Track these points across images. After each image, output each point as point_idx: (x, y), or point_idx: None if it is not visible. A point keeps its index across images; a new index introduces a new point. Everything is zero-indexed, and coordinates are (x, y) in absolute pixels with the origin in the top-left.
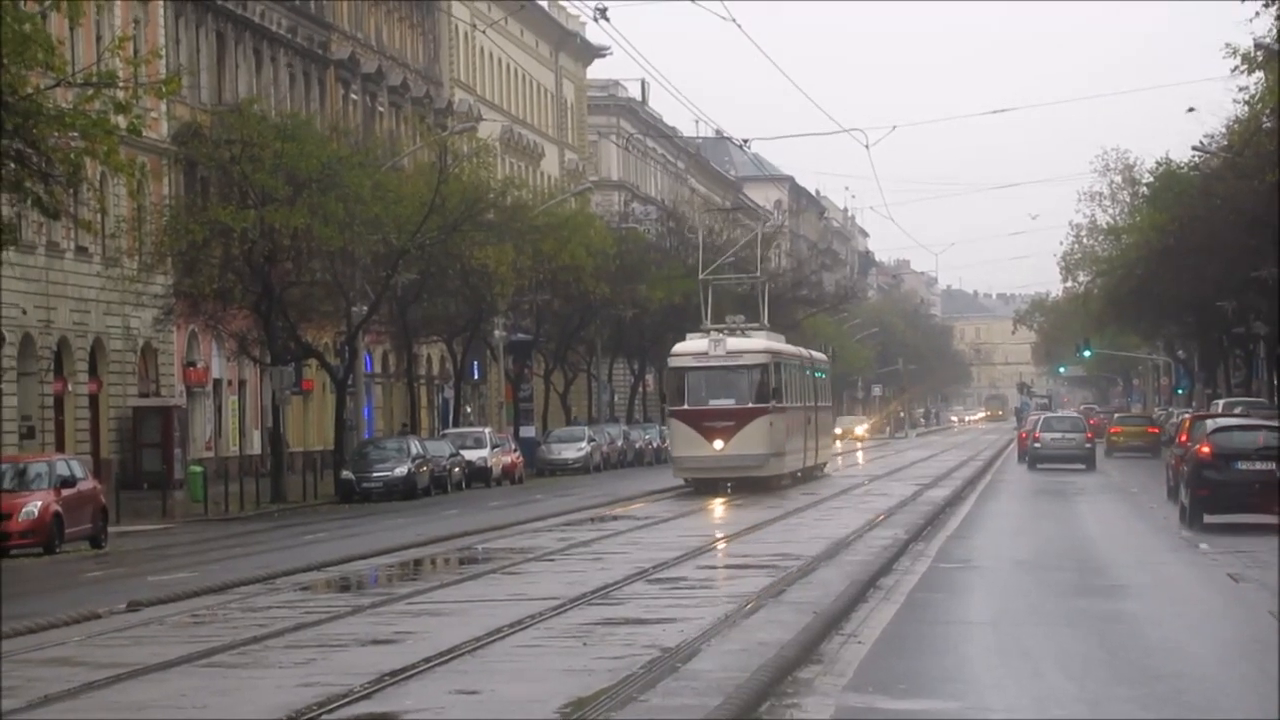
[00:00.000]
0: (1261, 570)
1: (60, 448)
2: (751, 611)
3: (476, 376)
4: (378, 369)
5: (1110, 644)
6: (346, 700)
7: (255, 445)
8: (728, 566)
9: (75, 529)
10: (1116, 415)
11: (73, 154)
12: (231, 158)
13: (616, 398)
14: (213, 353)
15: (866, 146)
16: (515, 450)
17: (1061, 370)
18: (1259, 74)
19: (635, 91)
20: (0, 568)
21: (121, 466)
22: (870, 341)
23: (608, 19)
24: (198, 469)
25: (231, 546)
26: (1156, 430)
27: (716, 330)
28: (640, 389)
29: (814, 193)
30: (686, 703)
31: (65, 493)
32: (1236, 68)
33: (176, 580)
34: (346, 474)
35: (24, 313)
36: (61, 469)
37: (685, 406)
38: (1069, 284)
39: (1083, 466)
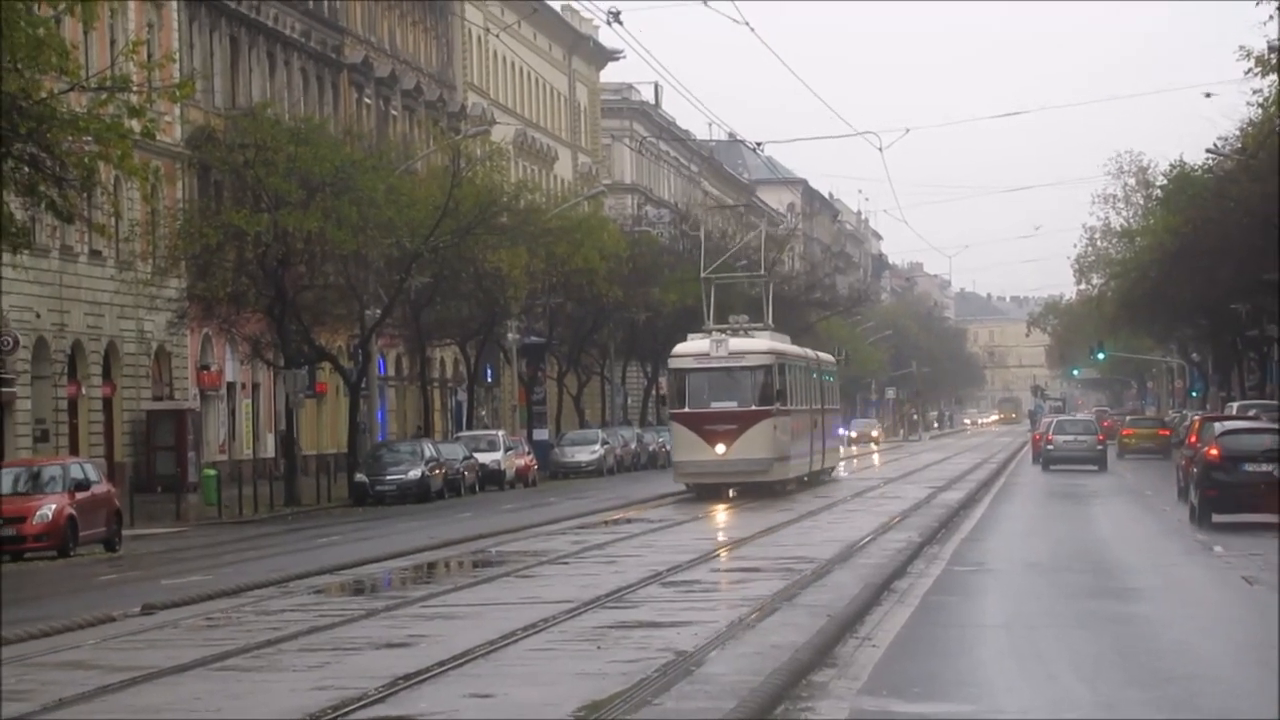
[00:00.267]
0: (1276, 573)
1: (74, 451)
2: (765, 615)
3: (490, 379)
4: (391, 372)
5: (1124, 647)
6: (361, 704)
7: (269, 448)
8: (741, 570)
9: (89, 532)
10: (1128, 418)
11: (87, 158)
12: (245, 161)
13: (630, 400)
14: (226, 356)
15: (880, 149)
16: (528, 453)
17: (1075, 373)
18: (1272, 76)
19: (648, 95)
20: (1, 572)
21: (135, 470)
22: (884, 344)
23: (621, 22)
24: (211, 472)
25: (245, 550)
26: (1167, 433)
27: (719, 330)
28: (653, 392)
29: (827, 196)
30: (700, 706)
31: (79, 496)
32: (1250, 70)
33: (190, 583)
34: (360, 477)
35: (38, 316)
36: (75, 472)
37: (686, 409)
38: (1083, 286)
39: (1095, 468)
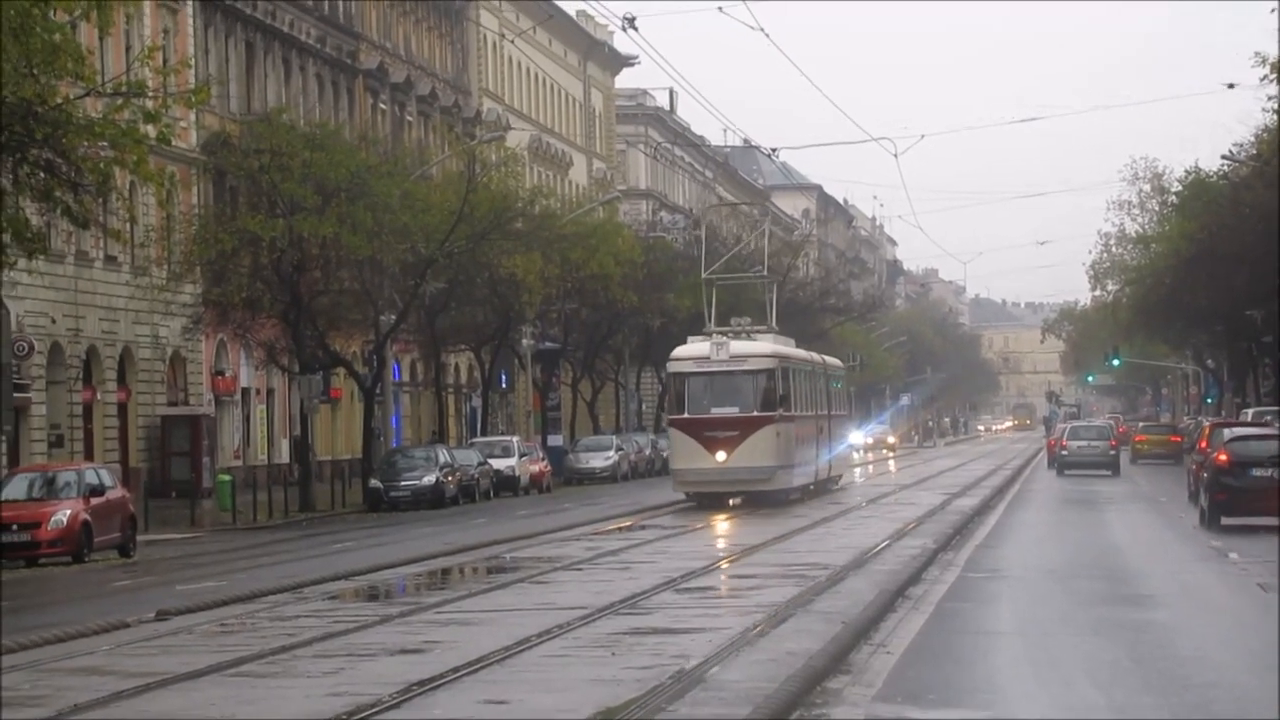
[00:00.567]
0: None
1: (89, 456)
2: (780, 621)
3: (504, 385)
4: (406, 378)
5: (1139, 653)
6: (375, 710)
7: (283, 454)
8: (756, 575)
9: (104, 538)
10: (1141, 424)
11: (102, 163)
12: (260, 167)
13: (644, 406)
14: (241, 361)
15: (895, 155)
16: (543, 459)
17: (1090, 379)
18: None
19: (663, 100)
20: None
21: (150, 475)
22: (898, 350)
23: (636, 28)
24: (226, 478)
25: (259, 555)
26: (1178, 439)
27: (720, 333)
28: (668, 398)
29: (842, 201)
30: (715, 713)
31: (94, 501)
32: (1266, 76)
33: (205, 589)
34: (374, 483)
35: (53, 321)
36: (90, 478)
37: (685, 415)
38: (1098, 293)
39: (1108, 473)
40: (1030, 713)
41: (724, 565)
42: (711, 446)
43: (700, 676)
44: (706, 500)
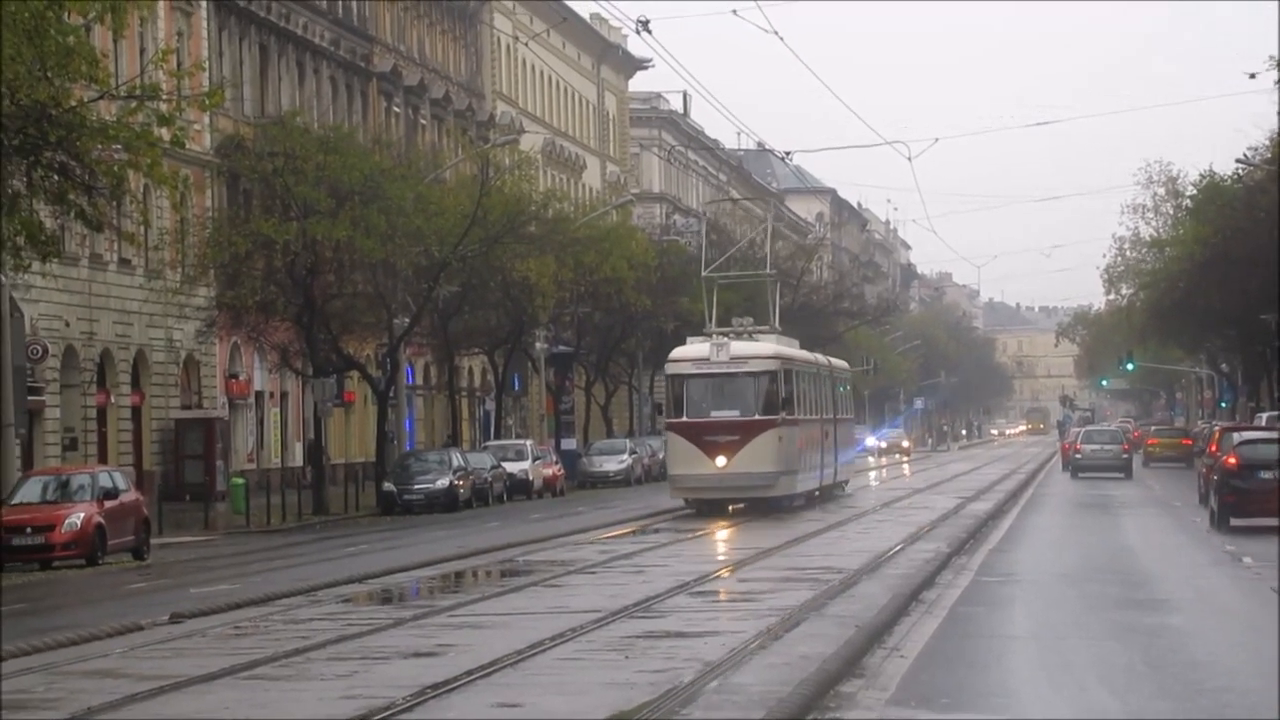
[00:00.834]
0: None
1: (103, 459)
2: (793, 625)
3: (517, 389)
4: (419, 381)
5: (1153, 658)
6: (389, 713)
7: (297, 457)
8: (769, 579)
9: (118, 540)
10: (1153, 428)
11: (116, 166)
12: (274, 170)
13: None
14: (255, 365)
15: (909, 159)
16: (556, 463)
17: (1104, 383)
18: None
19: (677, 104)
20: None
21: (164, 478)
22: (912, 354)
23: (649, 31)
24: (239, 481)
25: (273, 558)
26: (1189, 442)
27: (720, 333)
28: None
29: (856, 205)
30: (729, 716)
31: (108, 504)
32: None
33: (218, 592)
34: (388, 486)
35: (67, 325)
36: (104, 480)
37: (684, 418)
38: (1112, 297)
39: (1121, 475)
40: (1044, 716)
41: (738, 569)
42: (711, 451)
43: (714, 680)
44: (705, 508)
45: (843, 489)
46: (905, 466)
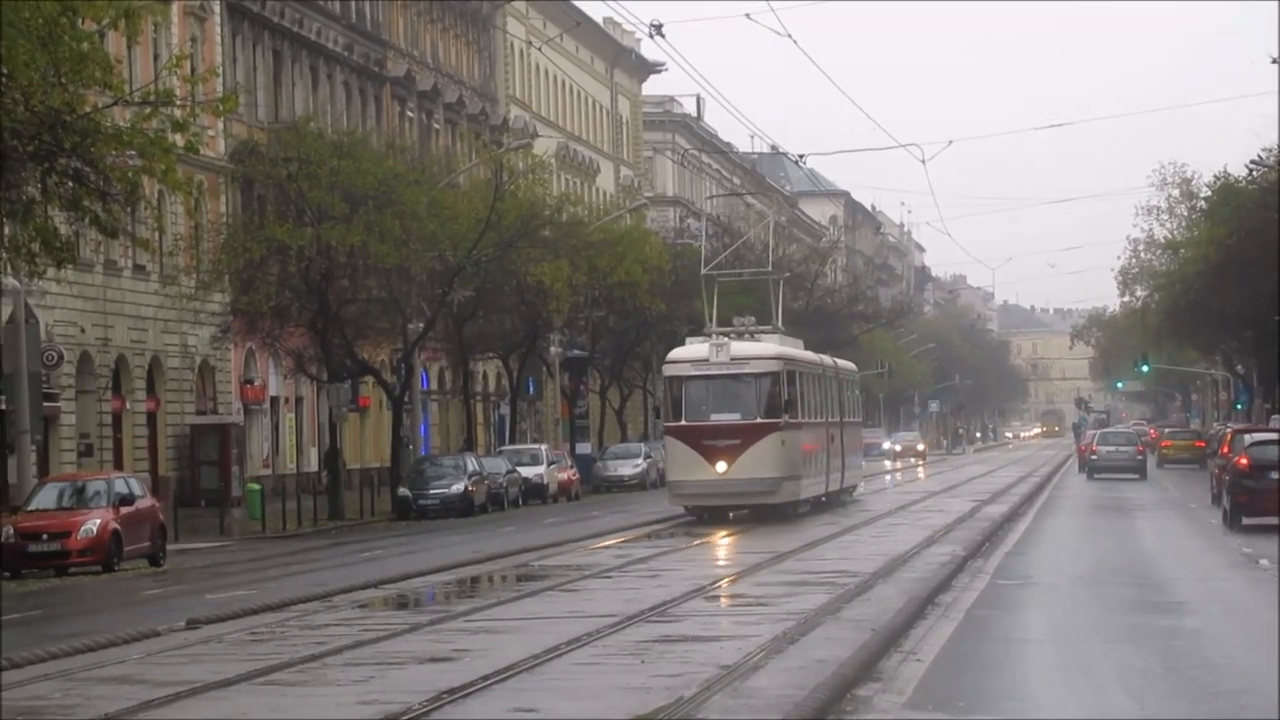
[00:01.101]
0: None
1: (118, 466)
2: (809, 628)
3: (532, 393)
4: (434, 386)
5: (1170, 661)
6: (405, 718)
7: (312, 462)
8: (785, 583)
9: (134, 547)
10: (1166, 431)
11: (130, 172)
12: (288, 175)
13: None
14: (270, 370)
15: (923, 161)
16: (571, 467)
17: (1119, 385)
18: None
19: (690, 107)
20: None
21: (179, 484)
22: (927, 357)
23: (663, 35)
24: (255, 486)
25: (289, 564)
26: (1202, 444)
27: (720, 333)
28: None
29: (870, 208)
30: (745, 719)
31: (124, 510)
32: None
33: (234, 598)
34: (403, 491)
35: (82, 331)
36: (120, 487)
37: (683, 422)
38: (1126, 299)
39: (1135, 476)
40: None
41: (753, 573)
42: (711, 456)
43: (730, 684)
44: (705, 515)
45: (850, 495)
46: (920, 470)
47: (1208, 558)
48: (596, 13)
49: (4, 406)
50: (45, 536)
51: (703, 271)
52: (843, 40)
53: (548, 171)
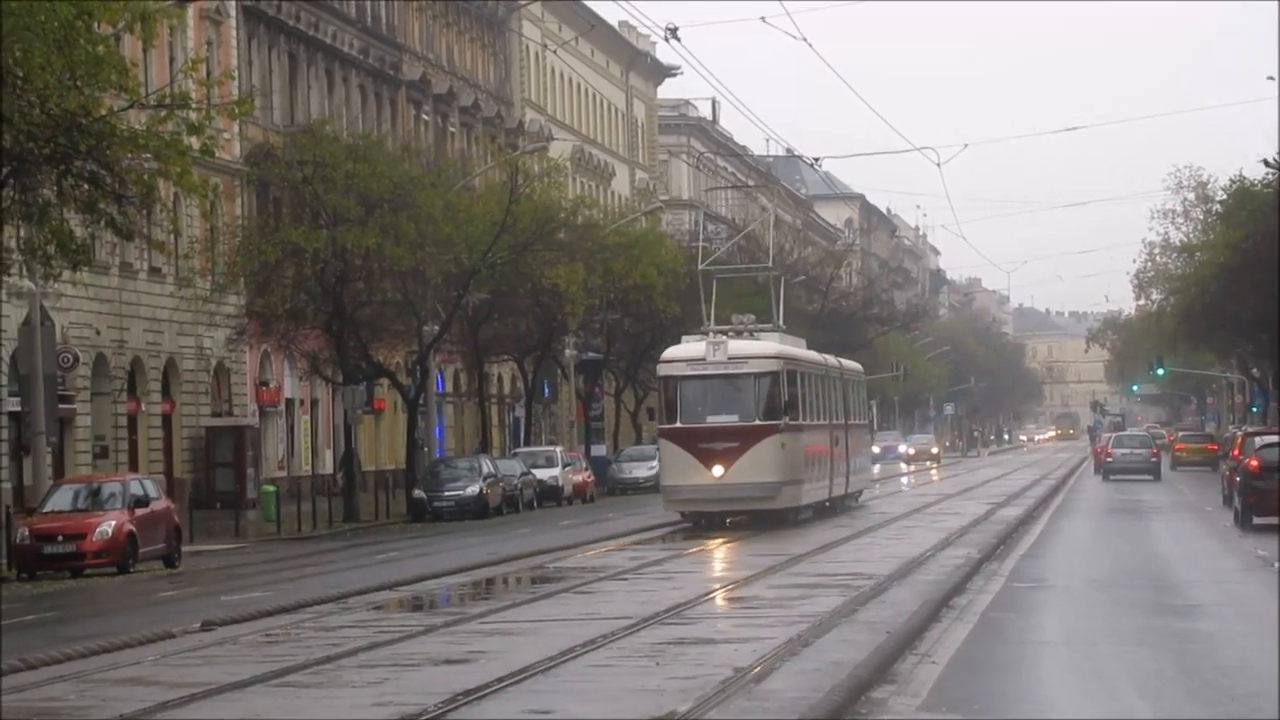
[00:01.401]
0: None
1: (134, 467)
2: (824, 631)
3: (547, 395)
4: (449, 388)
5: (1186, 664)
6: (420, 719)
7: (327, 464)
8: (800, 585)
9: (149, 548)
10: (1180, 434)
11: (146, 175)
12: (304, 178)
13: None
14: (285, 372)
15: (938, 164)
16: (586, 469)
17: (1135, 389)
18: None
19: (705, 110)
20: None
21: (195, 486)
22: (942, 360)
23: (678, 38)
24: (270, 488)
25: (304, 566)
26: (1215, 447)
27: (718, 331)
28: None
29: (885, 211)
30: None
31: (139, 512)
32: None
33: (250, 599)
34: (418, 493)
35: (98, 333)
36: (135, 488)
37: (678, 424)
38: (1142, 302)
39: (1150, 477)
40: None
41: (768, 575)
42: (707, 460)
43: (745, 686)
44: (702, 521)
45: (856, 500)
46: (934, 473)
47: (1222, 561)
48: (612, 16)
49: (20, 408)
50: (61, 538)
51: (700, 266)
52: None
53: (563, 174)
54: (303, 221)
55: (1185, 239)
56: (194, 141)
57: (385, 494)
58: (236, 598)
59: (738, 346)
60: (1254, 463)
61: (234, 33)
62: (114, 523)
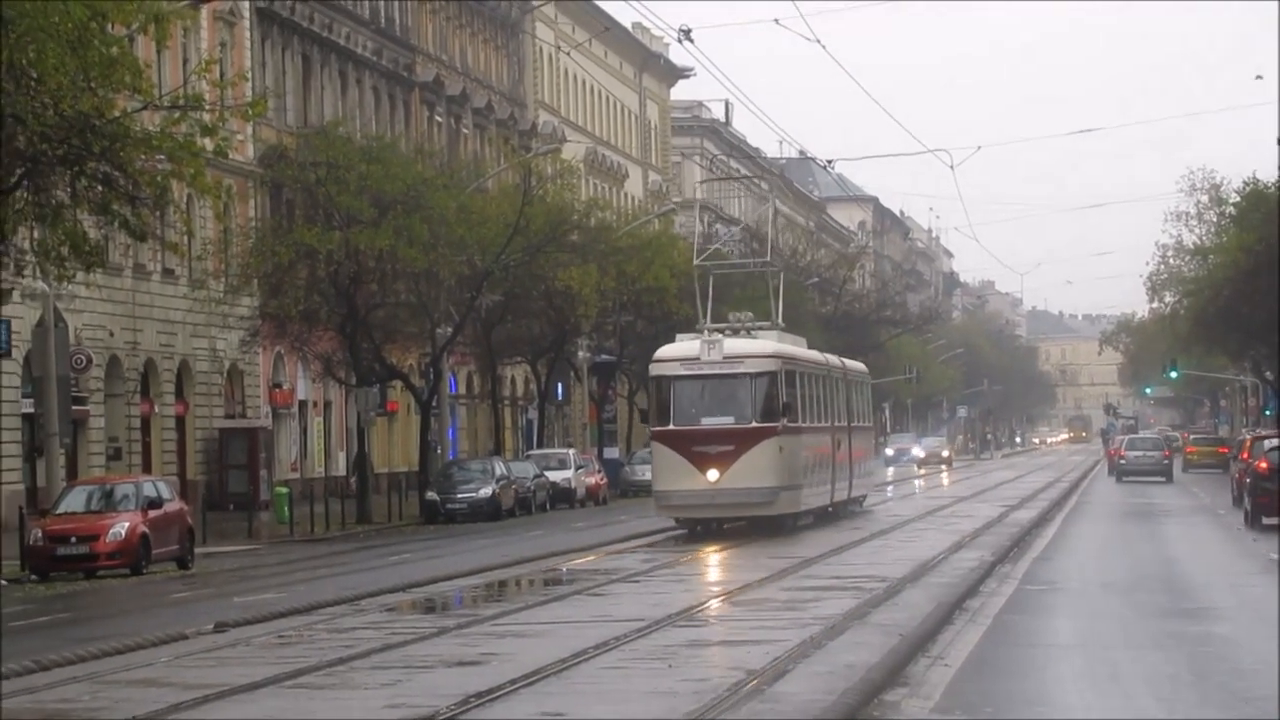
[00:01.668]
0: None
1: (147, 469)
2: (837, 633)
3: (560, 398)
4: (462, 390)
5: (1200, 667)
6: None
7: (340, 466)
8: (813, 588)
9: (162, 550)
10: (1191, 437)
11: (159, 176)
12: (317, 180)
13: None
14: (298, 374)
15: (951, 167)
16: (599, 471)
17: (1148, 391)
18: None
19: (719, 112)
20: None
21: (208, 487)
22: (955, 363)
23: (691, 40)
24: (283, 490)
25: (317, 567)
26: (1225, 449)
27: (714, 330)
28: None
29: (898, 213)
30: None
31: (152, 514)
32: None
33: (263, 601)
34: (431, 495)
35: (111, 335)
36: (148, 490)
37: (670, 426)
38: (1155, 304)
39: (1161, 479)
40: None
41: (781, 577)
42: (701, 464)
43: (758, 688)
44: (697, 528)
45: (860, 505)
46: (944, 476)
47: (1237, 564)
48: (625, 18)
49: (33, 409)
50: (74, 539)
51: (695, 261)
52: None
53: (576, 176)
54: (316, 223)
55: (1199, 241)
56: (207, 143)
57: (398, 496)
58: (249, 599)
59: (733, 345)
60: (1263, 465)
61: (248, 34)
62: (127, 524)
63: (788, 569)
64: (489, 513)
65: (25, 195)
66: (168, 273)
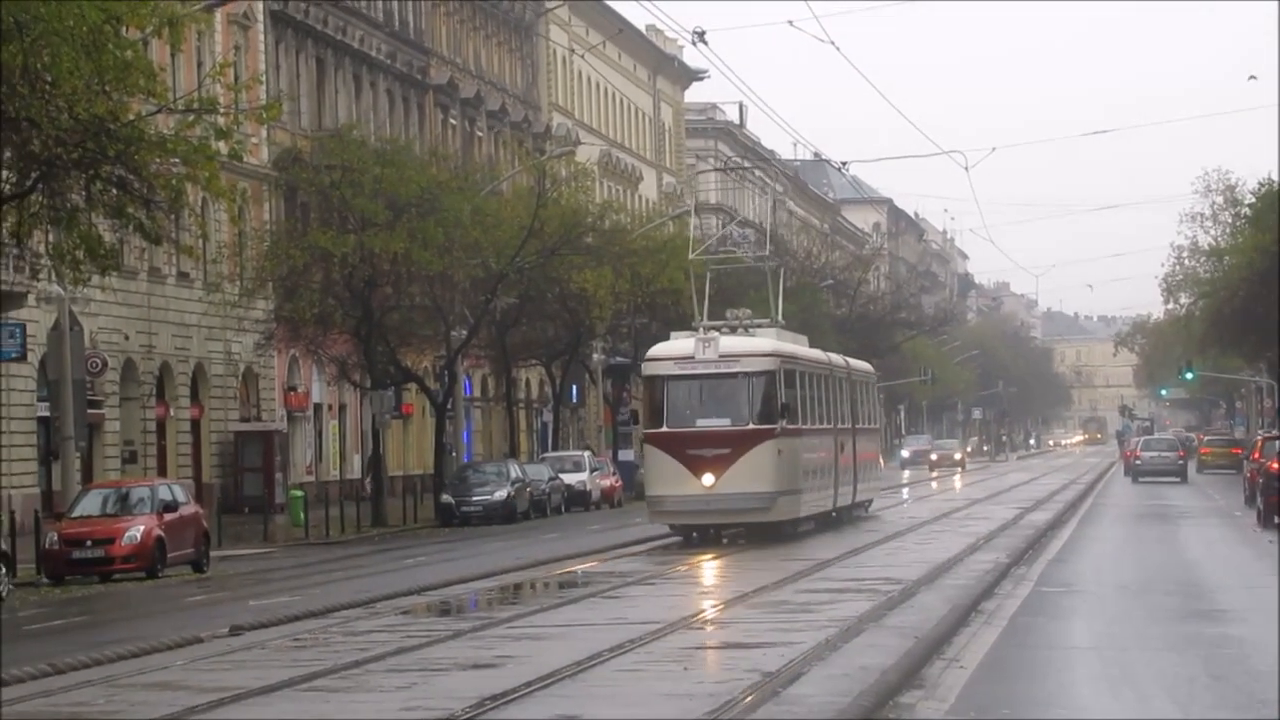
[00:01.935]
0: None
1: (162, 472)
2: (852, 636)
3: (575, 400)
4: (477, 393)
5: (1216, 669)
6: None
7: (355, 469)
8: (828, 590)
9: (177, 553)
10: (1206, 438)
11: (174, 180)
12: (331, 183)
13: None
14: (313, 377)
15: (965, 168)
16: (614, 474)
17: (1163, 393)
18: None
19: (733, 114)
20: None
21: (223, 491)
22: (970, 364)
23: (705, 42)
24: (298, 493)
25: (332, 570)
26: (1239, 450)
27: (710, 327)
28: None
29: (913, 215)
30: None
31: (167, 517)
32: None
33: (278, 604)
34: (446, 498)
35: (126, 338)
36: (164, 493)
37: (664, 428)
38: (1170, 306)
39: (1176, 479)
40: None
41: (796, 580)
42: (696, 468)
43: (773, 691)
44: (694, 535)
45: (865, 510)
46: (957, 479)
47: (1252, 565)
48: (639, 20)
49: (49, 413)
50: (89, 543)
51: (690, 256)
52: (886, 47)
53: (590, 179)
54: (330, 226)
55: (1214, 243)
56: (222, 146)
57: (413, 499)
58: (264, 602)
59: (730, 344)
60: (1275, 465)
61: (262, 37)
62: (143, 528)
63: (802, 571)
64: (504, 516)
65: (40, 199)
66: (183, 276)
